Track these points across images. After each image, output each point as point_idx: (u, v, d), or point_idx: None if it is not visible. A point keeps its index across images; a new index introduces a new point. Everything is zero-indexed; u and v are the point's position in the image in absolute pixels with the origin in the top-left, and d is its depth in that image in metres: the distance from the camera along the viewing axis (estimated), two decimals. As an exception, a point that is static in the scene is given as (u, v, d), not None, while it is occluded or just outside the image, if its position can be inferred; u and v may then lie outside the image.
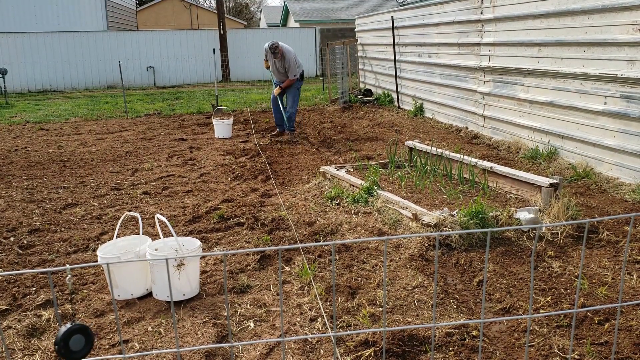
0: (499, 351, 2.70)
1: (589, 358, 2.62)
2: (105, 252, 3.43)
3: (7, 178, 6.59)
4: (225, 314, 3.16)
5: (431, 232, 4.03)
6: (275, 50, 8.13)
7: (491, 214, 4.16)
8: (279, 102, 8.63)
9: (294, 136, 8.63)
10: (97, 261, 3.63)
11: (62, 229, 4.71)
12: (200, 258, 3.72)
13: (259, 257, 3.89)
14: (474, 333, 2.83)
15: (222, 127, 8.97)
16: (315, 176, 6.06)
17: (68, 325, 1.40)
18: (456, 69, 8.92)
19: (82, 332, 1.40)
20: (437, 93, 9.76)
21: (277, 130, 8.84)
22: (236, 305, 3.25)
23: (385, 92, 12.47)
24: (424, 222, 4.12)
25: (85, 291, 3.51)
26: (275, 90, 8.52)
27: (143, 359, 2.74)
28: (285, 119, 8.56)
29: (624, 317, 2.96)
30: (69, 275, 3.46)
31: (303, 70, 8.58)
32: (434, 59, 9.80)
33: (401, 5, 19.41)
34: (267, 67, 8.68)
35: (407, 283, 3.44)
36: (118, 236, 3.66)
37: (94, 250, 4.16)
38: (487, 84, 7.95)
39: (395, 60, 11.50)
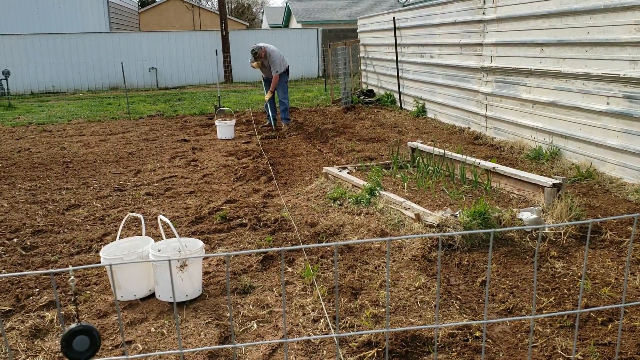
0: (502, 352, 2.70)
1: (592, 358, 2.61)
2: (108, 253, 3.44)
3: (10, 179, 6.61)
4: (228, 314, 3.16)
5: (434, 232, 4.02)
6: (255, 55, 9.13)
7: (494, 214, 4.15)
8: (272, 98, 9.62)
9: (289, 126, 9.44)
10: (100, 262, 3.64)
11: (65, 230, 4.72)
12: (203, 259, 3.72)
13: (261, 258, 3.89)
14: (477, 334, 2.83)
15: (224, 128, 8.99)
16: (317, 177, 6.06)
17: (73, 325, 1.40)
18: (458, 69, 8.91)
19: (86, 333, 1.40)
20: (440, 93, 9.75)
21: (268, 122, 9.78)
22: (239, 306, 3.25)
23: (388, 92, 12.47)
24: (427, 223, 4.11)
25: (88, 292, 3.51)
26: (267, 96, 9.52)
27: (146, 359, 2.75)
28: (279, 111, 9.59)
29: (627, 317, 2.96)
30: (72, 277, 3.46)
31: (288, 66, 9.59)
32: (436, 59, 9.80)
33: (403, 6, 19.40)
34: (254, 67, 9.57)
35: (410, 284, 3.44)
36: (121, 237, 3.66)
37: (97, 251, 4.16)
38: (490, 84, 7.94)
39: (397, 61, 11.49)
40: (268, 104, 9.59)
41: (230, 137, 8.97)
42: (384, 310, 3.09)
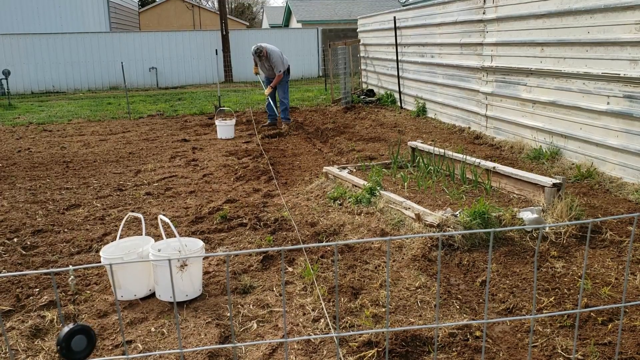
0: (502, 351, 2.70)
1: (592, 358, 2.61)
2: (108, 253, 3.44)
3: (10, 179, 6.61)
4: (228, 314, 3.16)
5: (434, 232, 4.02)
6: (260, 54, 9.18)
7: (494, 214, 4.15)
8: (273, 97, 9.63)
9: (289, 126, 9.51)
10: (100, 262, 3.64)
11: (65, 230, 4.72)
12: (203, 259, 3.73)
13: (261, 257, 3.89)
14: (477, 333, 2.83)
15: (224, 128, 8.99)
16: (317, 177, 6.06)
17: (70, 325, 1.40)
18: (459, 69, 8.91)
19: (84, 333, 1.40)
20: (440, 93, 9.75)
21: (269, 121, 9.81)
22: (239, 306, 3.25)
23: (388, 92, 12.47)
24: (427, 223, 4.11)
25: (88, 292, 3.51)
26: (267, 90, 9.53)
27: (146, 359, 2.75)
28: (280, 111, 9.59)
29: (627, 317, 2.96)
30: (72, 277, 3.46)
31: (289, 66, 9.62)
32: (436, 59, 9.80)
33: (403, 6, 19.40)
34: (256, 73, 9.81)
35: (410, 283, 3.44)
36: (121, 237, 3.66)
37: (97, 251, 4.16)
38: (490, 84, 7.94)
39: (397, 61, 11.49)
40: (270, 102, 9.62)
41: (231, 137, 8.97)
42: (384, 310, 3.09)
